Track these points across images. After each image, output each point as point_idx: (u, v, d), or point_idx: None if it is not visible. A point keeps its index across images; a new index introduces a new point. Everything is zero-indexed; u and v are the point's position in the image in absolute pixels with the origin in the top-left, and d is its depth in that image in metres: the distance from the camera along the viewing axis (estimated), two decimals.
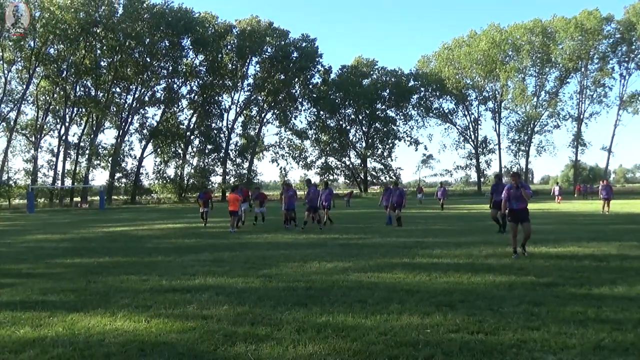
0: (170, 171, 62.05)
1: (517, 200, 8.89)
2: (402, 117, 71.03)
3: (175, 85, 59.80)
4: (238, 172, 63.17)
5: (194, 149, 63.15)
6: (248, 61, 61.84)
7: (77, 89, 53.72)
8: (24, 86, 50.47)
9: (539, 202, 38.37)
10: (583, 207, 28.65)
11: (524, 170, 68.49)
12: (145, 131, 59.44)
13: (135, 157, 59.15)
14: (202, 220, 18.85)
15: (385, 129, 70.03)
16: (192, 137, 62.53)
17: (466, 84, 66.78)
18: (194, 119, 62.03)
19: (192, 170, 61.84)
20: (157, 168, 61.19)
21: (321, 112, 68.07)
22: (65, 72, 51.23)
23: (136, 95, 57.38)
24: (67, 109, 53.33)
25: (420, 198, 37.53)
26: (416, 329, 4.57)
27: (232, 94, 63.80)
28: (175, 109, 61.68)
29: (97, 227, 19.70)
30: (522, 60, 61.21)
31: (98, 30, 50.06)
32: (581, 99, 62.14)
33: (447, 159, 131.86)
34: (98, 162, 55.97)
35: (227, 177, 61.39)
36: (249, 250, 10.90)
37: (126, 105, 57.56)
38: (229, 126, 63.66)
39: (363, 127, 71.51)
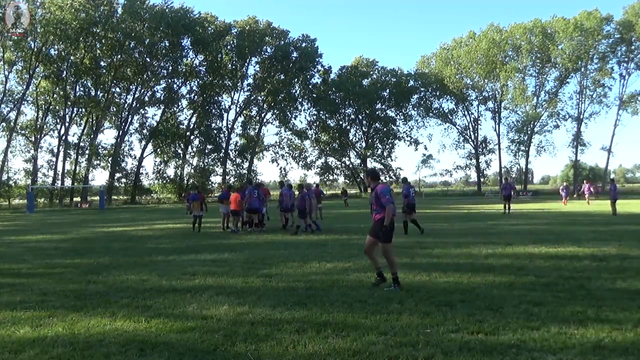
0: (170, 171, 62.21)
1: (375, 207, 6.71)
2: (402, 117, 71.08)
3: (175, 85, 59.87)
4: (238, 172, 63.22)
5: (194, 149, 63.21)
6: (248, 61, 61.87)
7: (77, 89, 53.74)
8: (24, 86, 50.50)
9: (541, 202, 38.40)
10: (582, 207, 28.64)
11: (524, 170, 68.59)
12: (145, 131, 59.49)
13: (135, 157, 59.28)
14: (193, 224, 16.19)
15: (385, 129, 70.05)
16: (192, 137, 62.55)
17: (466, 84, 66.77)
18: (193, 119, 62.07)
19: (192, 170, 61.87)
20: (157, 168, 61.30)
21: (321, 112, 68.07)
22: (65, 72, 51.24)
23: (136, 95, 57.42)
24: (67, 109, 53.35)
25: (345, 200, 37.72)
26: (416, 329, 4.57)
27: (232, 94, 63.95)
28: (175, 109, 61.75)
29: (97, 227, 19.69)
30: (522, 60, 61.25)
31: (98, 30, 50.04)
32: (581, 99, 62.20)
33: (447, 159, 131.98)
34: (98, 162, 56.00)
35: (227, 177, 61.41)
36: (249, 250, 10.90)
37: (126, 105, 57.62)
38: (229, 126, 63.79)
39: (363, 127, 71.53)
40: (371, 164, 71.80)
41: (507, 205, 21.79)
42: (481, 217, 20.12)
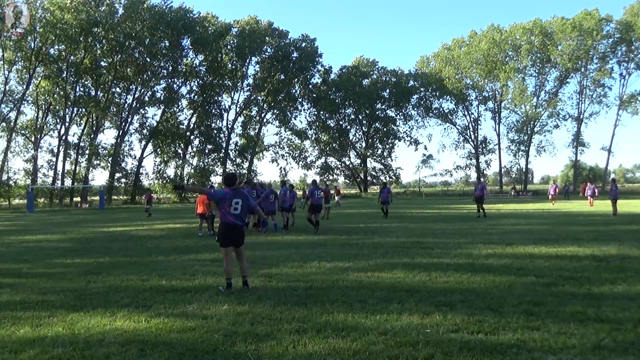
0: (170, 171, 62.11)
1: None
2: (402, 117, 71.11)
3: (175, 85, 59.80)
4: (238, 172, 63.19)
5: (194, 149, 63.17)
6: (248, 61, 61.83)
7: (77, 89, 53.68)
8: (24, 86, 50.49)
9: (534, 202, 38.39)
10: (581, 207, 28.63)
11: (524, 170, 68.57)
12: (145, 131, 59.42)
13: (135, 157, 59.18)
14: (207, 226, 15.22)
15: (385, 129, 70.08)
16: (192, 137, 62.53)
17: (466, 84, 66.77)
18: (193, 119, 62.05)
19: (192, 170, 61.84)
20: (157, 168, 61.25)
21: (321, 112, 68.08)
22: (65, 72, 51.22)
23: (136, 95, 57.36)
24: (67, 109, 53.29)
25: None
26: (416, 329, 4.57)
27: (232, 94, 63.91)
28: (175, 109, 61.70)
29: (97, 227, 19.69)
30: (521, 60, 61.24)
31: (98, 30, 50.03)
32: (581, 99, 62.18)
33: (447, 159, 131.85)
34: (98, 162, 55.94)
35: None
36: (249, 250, 10.85)
37: (126, 105, 57.55)
38: (229, 126, 63.76)
39: (363, 127, 71.54)
40: (371, 164, 71.97)
41: (480, 208, 20.34)
42: (481, 217, 20.10)
